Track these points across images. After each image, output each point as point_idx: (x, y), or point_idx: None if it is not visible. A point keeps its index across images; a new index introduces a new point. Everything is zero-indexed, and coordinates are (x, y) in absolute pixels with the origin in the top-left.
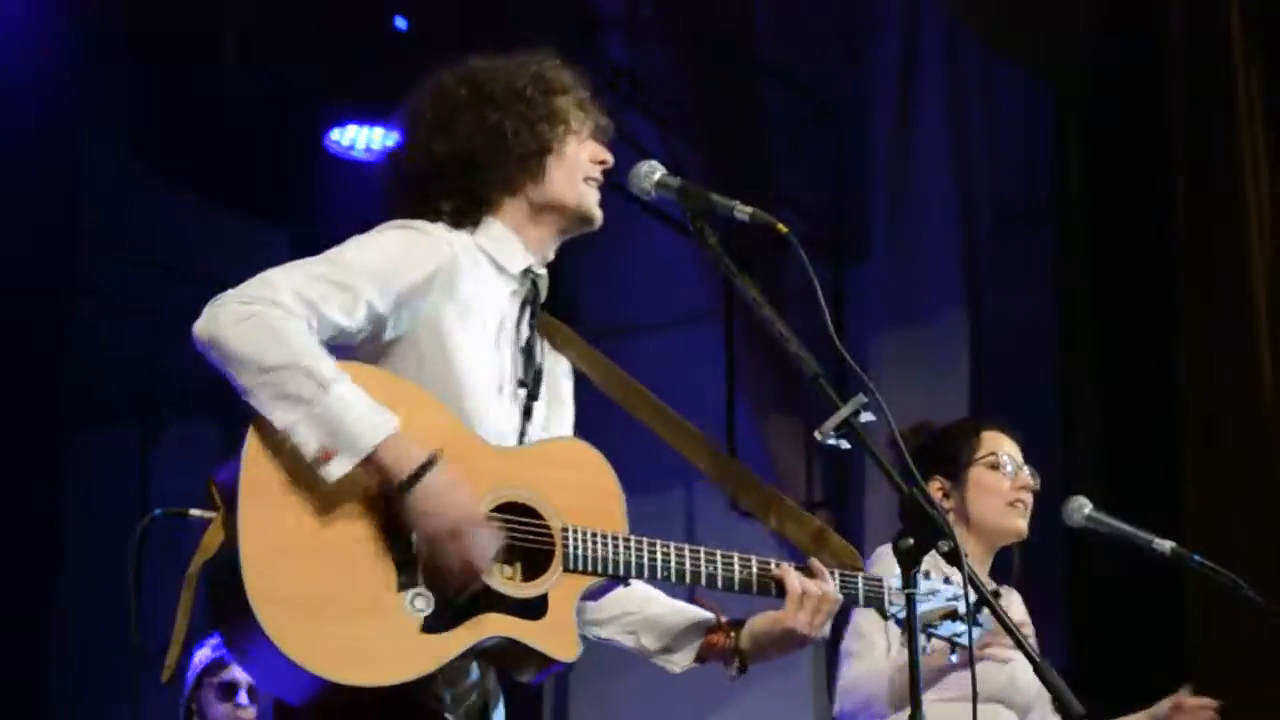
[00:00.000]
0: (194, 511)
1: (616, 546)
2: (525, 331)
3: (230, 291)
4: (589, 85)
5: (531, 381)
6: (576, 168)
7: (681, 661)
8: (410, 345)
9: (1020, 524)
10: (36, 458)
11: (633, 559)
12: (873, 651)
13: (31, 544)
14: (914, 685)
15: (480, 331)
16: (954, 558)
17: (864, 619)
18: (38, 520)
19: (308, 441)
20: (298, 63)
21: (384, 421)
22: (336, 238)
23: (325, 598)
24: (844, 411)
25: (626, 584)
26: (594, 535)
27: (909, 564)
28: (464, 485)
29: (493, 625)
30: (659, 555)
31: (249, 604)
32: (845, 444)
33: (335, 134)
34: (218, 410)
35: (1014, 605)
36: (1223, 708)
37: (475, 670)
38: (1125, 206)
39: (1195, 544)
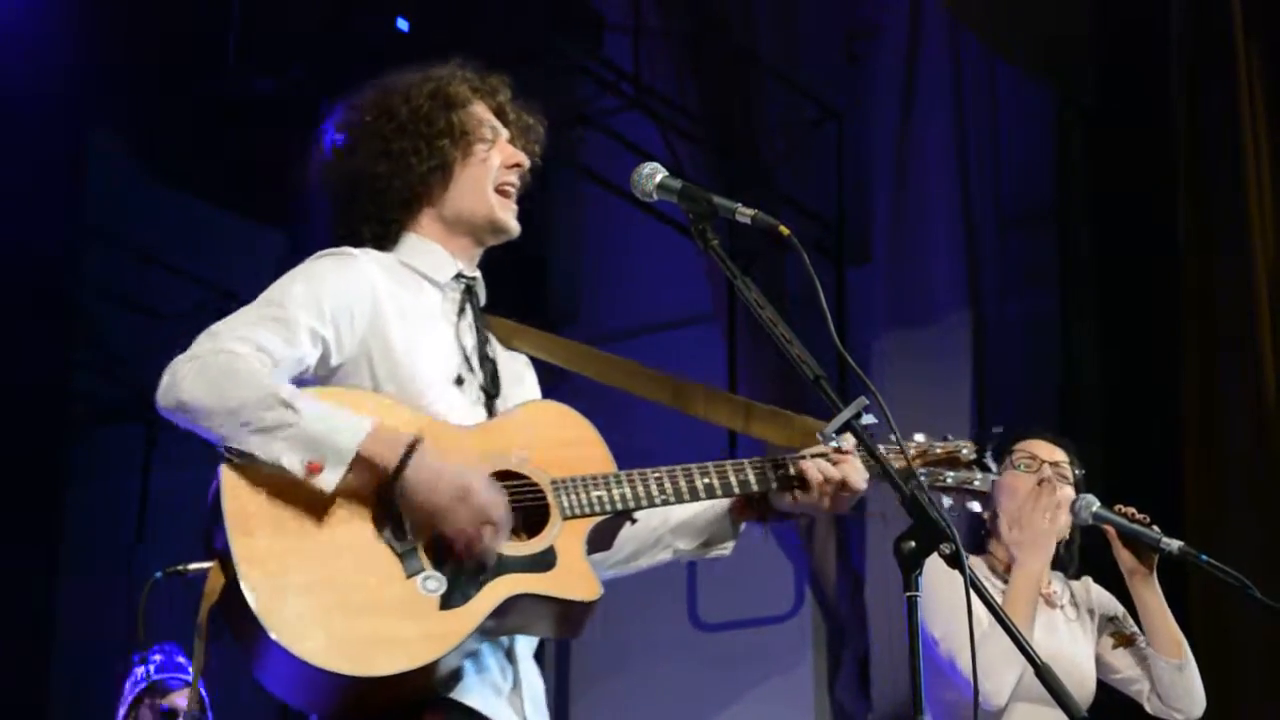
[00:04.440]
0: (191, 566)
1: (608, 484)
2: (470, 334)
3: (179, 355)
4: (507, 88)
5: (488, 379)
6: (485, 178)
7: (727, 543)
8: (361, 360)
9: None
10: (38, 457)
11: (626, 490)
12: (979, 627)
13: (32, 543)
14: (916, 685)
15: (424, 337)
16: (955, 560)
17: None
18: (38, 520)
19: (293, 463)
20: (298, 63)
21: (359, 421)
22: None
23: (338, 603)
24: (846, 413)
25: (633, 521)
26: (583, 480)
27: (910, 566)
28: (454, 456)
29: (508, 585)
30: (651, 481)
31: (266, 631)
32: (847, 446)
33: None
34: None
35: (1097, 594)
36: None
37: (507, 661)
38: (1127, 207)
39: (1197, 544)
